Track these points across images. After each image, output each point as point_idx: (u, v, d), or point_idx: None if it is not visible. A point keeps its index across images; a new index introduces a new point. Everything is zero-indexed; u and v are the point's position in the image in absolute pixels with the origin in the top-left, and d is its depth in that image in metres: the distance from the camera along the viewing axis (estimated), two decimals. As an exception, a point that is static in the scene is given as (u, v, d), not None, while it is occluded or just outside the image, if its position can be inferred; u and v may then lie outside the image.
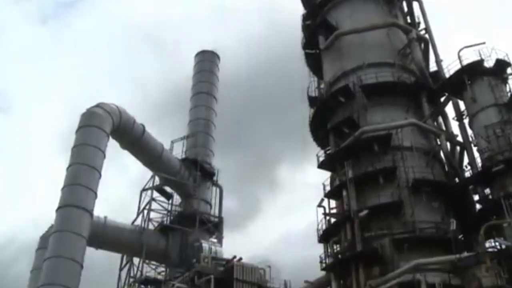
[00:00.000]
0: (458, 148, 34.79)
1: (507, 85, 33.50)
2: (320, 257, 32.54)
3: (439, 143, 34.21)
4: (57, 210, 39.16)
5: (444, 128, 36.30)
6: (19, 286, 51.35)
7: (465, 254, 25.10)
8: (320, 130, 37.97)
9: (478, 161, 31.56)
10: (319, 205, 34.21)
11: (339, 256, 31.70)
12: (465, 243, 28.70)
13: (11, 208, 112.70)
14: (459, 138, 34.75)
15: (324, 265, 32.20)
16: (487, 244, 26.17)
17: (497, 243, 26.85)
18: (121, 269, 50.37)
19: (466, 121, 34.25)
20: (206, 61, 63.61)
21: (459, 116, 34.98)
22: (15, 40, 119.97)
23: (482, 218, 28.09)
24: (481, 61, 33.51)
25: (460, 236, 29.74)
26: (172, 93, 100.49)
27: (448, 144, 34.46)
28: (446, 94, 36.33)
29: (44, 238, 45.30)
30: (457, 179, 33.06)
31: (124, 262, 50.34)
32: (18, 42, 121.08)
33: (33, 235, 51.10)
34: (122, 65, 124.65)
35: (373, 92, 35.02)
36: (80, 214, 39.03)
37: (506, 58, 33.49)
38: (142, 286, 47.33)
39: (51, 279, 36.09)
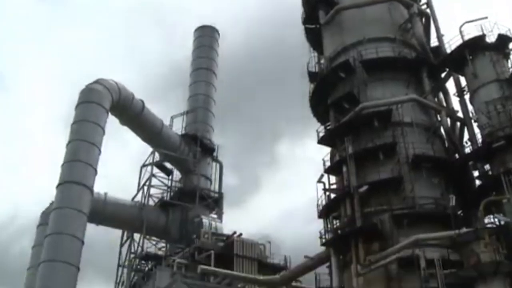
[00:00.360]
0: (458, 124, 34.66)
1: (509, 61, 33.25)
2: (320, 232, 32.63)
3: (439, 119, 34.06)
4: (57, 187, 39.30)
5: (444, 104, 36.13)
6: (21, 262, 51.68)
7: (464, 229, 25.15)
8: (320, 105, 37.80)
9: (479, 137, 31.47)
10: (319, 181, 34.21)
11: (339, 231, 31.78)
12: (464, 219, 28.77)
13: (12, 185, 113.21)
14: (460, 114, 34.62)
15: (323, 240, 32.28)
16: (486, 220, 26.20)
17: (496, 219, 26.94)
18: (121, 245, 50.73)
19: (467, 97, 34.06)
20: (206, 37, 63.22)
21: (460, 92, 34.78)
22: (13, 16, 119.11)
23: (481, 194, 28.08)
24: (483, 36, 33.18)
25: (459, 212, 29.77)
26: (172, 68, 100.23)
27: (449, 120, 34.32)
28: (447, 69, 36.07)
29: (45, 215, 45.51)
30: (457, 155, 32.99)
31: (125, 238, 50.71)
32: (16, 18, 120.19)
33: (35, 212, 51.35)
34: (121, 41, 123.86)
35: (374, 67, 34.77)
36: (80, 190, 39.18)
37: (508, 33, 33.14)
38: (143, 261, 47.69)
39: (52, 255, 36.34)
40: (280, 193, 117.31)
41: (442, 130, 33.97)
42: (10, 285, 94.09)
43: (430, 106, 34.46)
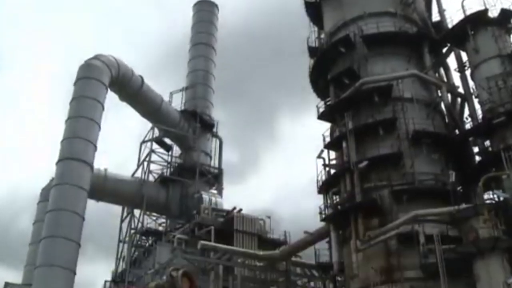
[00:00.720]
0: (459, 99, 34.47)
1: (511, 36, 32.91)
2: (320, 208, 32.70)
3: (440, 94, 33.85)
4: (57, 163, 39.31)
5: (445, 79, 35.87)
6: (23, 239, 51.94)
7: (463, 205, 25.25)
8: (320, 81, 37.63)
9: (479, 113, 31.28)
10: (319, 156, 34.17)
11: (339, 207, 31.84)
12: (463, 195, 28.81)
13: (12, 162, 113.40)
14: (461, 90, 34.39)
15: (323, 216, 32.35)
16: (485, 196, 26.19)
17: (495, 195, 26.97)
18: (122, 221, 50.96)
19: (468, 72, 33.78)
20: (205, 11, 62.71)
21: (461, 68, 34.48)
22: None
23: (481, 170, 28.03)
24: (485, 11, 32.80)
25: (459, 188, 29.77)
26: (171, 44, 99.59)
27: (449, 96, 34.12)
28: (449, 45, 35.73)
29: (45, 191, 45.64)
30: (457, 131, 32.90)
31: (125, 214, 50.90)
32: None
33: (35, 189, 51.51)
34: (120, 17, 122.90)
35: (374, 42, 34.47)
36: (80, 166, 39.21)
37: (511, 8, 32.76)
38: (143, 237, 47.97)
39: (53, 231, 36.51)
40: (280, 169, 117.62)
41: (442, 105, 33.80)
42: (12, 261, 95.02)
43: (430, 82, 34.24)
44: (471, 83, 33.01)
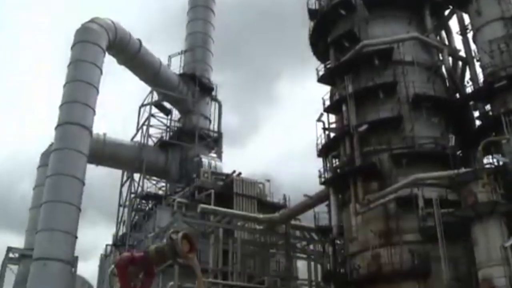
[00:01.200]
0: (460, 63, 34.13)
1: (515, -2, 32.32)
2: (319, 171, 32.73)
3: (441, 58, 33.51)
4: (56, 128, 39.16)
5: (447, 42, 35.43)
6: (23, 204, 52.21)
7: (463, 170, 25.25)
8: (320, 43, 37.21)
9: (480, 77, 31.00)
10: (319, 120, 34.04)
11: (338, 170, 31.91)
12: (463, 159, 28.79)
13: (12, 128, 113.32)
14: (462, 53, 34.01)
15: (323, 179, 32.43)
16: (485, 160, 26.20)
17: (495, 160, 26.96)
18: (122, 185, 51.12)
19: (470, 35, 33.35)
20: (203, -28, 61.48)
21: (463, 30, 34.00)
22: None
23: (481, 134, 27.96)
24: (488, -28, 32.15)
25: (458, 152, 29.77)
26: (169, 7, 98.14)
27: (451, 59, 33.76)
28: (451, 7, 35.19)
29: (45, 156, 45.65)
30: (458, 95, 32.70)
31: (125, 178, 51.02)
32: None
33: (36, 154, 51.50)
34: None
35: (375, 4, 33.95)
36: (79, 131, 39.09)
37: (515, -31, 32.08)
38: (143, 201, 48.21)
39: (53, 196, 36.63)
40: (280, 132, 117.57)
41: (443, 69, 33.50)
42: (14, 226, 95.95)
43: (432, 45, 33.85)
44: (473, 46, 32.59)
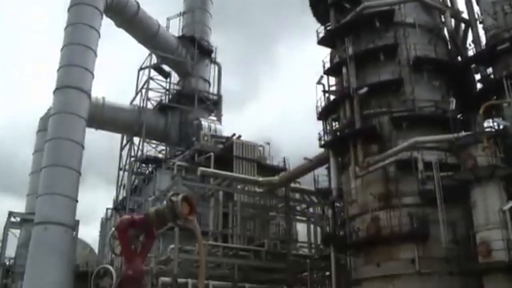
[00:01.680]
0: (463, 25, 33.57)
1: (520, -45, 31.63)
2: (319, 134, 32.62)
3: (443, 20, 33.02)
4: (54, 92, 38.93)
5: (449, 4, 34.82)
6: (24, 169, 52.27)
7: (463, 133, 25.18)
8: (320, 5, 36.53)
9: (483, 39, 30.56)
10: (318, 82, 33.77)
11: (338, 133, 31.81)
12: (463, 123, 28.66)
13: (11, 92, 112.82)
14: (465, 15, 33.46)
15: (323, 142, 32.35)
16: (485, 124, 26.05)
17: (495, 123, 26.82)
18: (121, 149, 51.19)
19: (473, -3, 32.78)
20: None
21: (466, -9, 33.43)
22: None
23: (482, 98, 27.70)
24: None
25: (459, 116, 29.62)
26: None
27: (453, 21, 33.21)
28: (453, -33, 34.52)
29: (44, 120, 45.56)
30: (459, 58, 32.34)
31: (125, 142, 51.03)
32: None
33: (35, 119, 51.38)
34: None
35: (376, -36, 33.24)
36: (78, 95, 38.91)
37: None
38: (143, 165, 48.32)
39: (53, 160, 36.66)
40: (280, 95, 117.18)
41: (445, 31, 33.01)
42: (15, 191, 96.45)
43: (434, 6, 33.28)
44: (476, 8, 32.03)
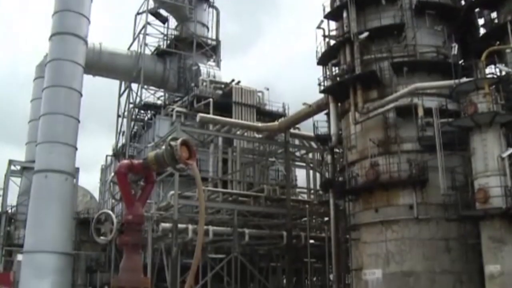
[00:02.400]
0: (466, -33, 32.80)
1: None
2: (319, 79, 32.29)
3: (446, -39, 32.15)
4: (50, 39, 38.32)
5: None
6: (24, 117, 52.02)
7: (464, 79, 24.91)
8: None
9: (487, -18, 29.82)
10: (319, 27, 33.17)
11: (338, 78, 31.50)
12: (465, 69, 28.27)
13: (8, 40, 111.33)
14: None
15: (322, 87, 32.08)
16: (487, 70, 25.73)
17: (497, 69, 26.47)
18: (120, 95, 50.92)
19: None
20: None
21: None
22: None
23: (485, 43, 27.18)
24: None
25: (460, 62, 29.24)
26: None
27: (457, -37, 32.42)
28: None
29: (40, 67, 45.07)
30: (463, 1, 31.65)
31: (123, 88, 50.70)
32: None
33: (33, 66, 50.77)
34: None
35: None
36: (74, 41, 38.37)
37: None
38: (142, 111, 48.16)
39: (51, 108, 36.50)
40: (280, 41, 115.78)
41: (449, -27, 32.23)
42: (15, 139, 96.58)
43: None
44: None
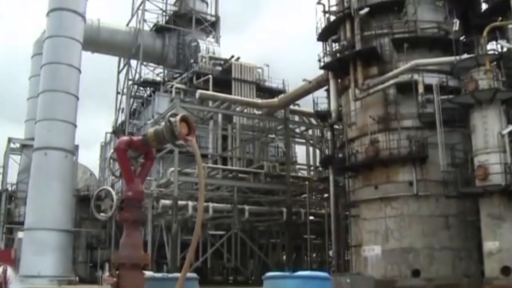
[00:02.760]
0: None
1: None
2: (319, 55, 32.12)
3: None
4: (47, 15, 38.00)
5: None
6: (23, 95, 51.80)
7: (465, 55, 24.72)
8: None
9: (491, -46, 29.39)
10: (319, 2, 32.91)
11: (338, 54, 31.30)
12: (466, 45, 28.04)
13: (7, 16, 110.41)
14: None
15: (322, 63, 31.90)
16: (489, 47, 25.52)
17: (499, 45, 26.25)
18: (119, 72, 50.66)
19: None
20: None
21: None
22: None
23: (487, 19, 26.94)
24: None
25: (462, 38, 29.02)
26: None
27: None
28: None
29: (38, 44, 44.74)
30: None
31: (122, 65, 50.43)
32: None
33: (31, 43, 50.33)
34: None
35: None
36: (72, 17, 38.08)
37: None
38: (141, 88, 47.97)
39: (50, 85, 36.38)
40: (280, 16, 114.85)
41: None
42: (14, 117, 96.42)
43: None
44: None
